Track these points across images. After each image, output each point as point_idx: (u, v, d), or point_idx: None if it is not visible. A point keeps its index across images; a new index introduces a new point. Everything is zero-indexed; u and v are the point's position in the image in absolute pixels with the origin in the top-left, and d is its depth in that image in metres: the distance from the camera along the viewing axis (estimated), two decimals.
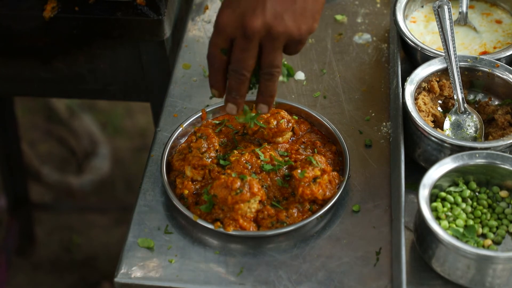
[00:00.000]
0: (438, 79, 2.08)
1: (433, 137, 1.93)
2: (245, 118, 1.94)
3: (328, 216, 1.95)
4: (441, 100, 2.10)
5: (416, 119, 1.95)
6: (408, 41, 2.14)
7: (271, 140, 2.03)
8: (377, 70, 2.28)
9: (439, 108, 2.09)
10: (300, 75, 2.27)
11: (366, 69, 2.28)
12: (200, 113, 2.10)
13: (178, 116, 2.17)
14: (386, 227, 1.93)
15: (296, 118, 2.08)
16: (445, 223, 1.84)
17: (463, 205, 1.89)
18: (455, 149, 1.92)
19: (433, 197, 1.89)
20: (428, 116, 2.03)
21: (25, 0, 2.26)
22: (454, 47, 2.06)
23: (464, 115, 2.03)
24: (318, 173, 1.91)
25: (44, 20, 2.24)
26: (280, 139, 2.03)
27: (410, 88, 2.02)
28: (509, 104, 2.05)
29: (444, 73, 2.07)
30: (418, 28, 2.25)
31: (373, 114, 2.16)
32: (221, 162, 1.96)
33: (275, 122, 2.01)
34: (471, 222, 1.86)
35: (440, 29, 2.08)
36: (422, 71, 2.06)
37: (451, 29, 2.08)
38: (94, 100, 3.99)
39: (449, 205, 1.88)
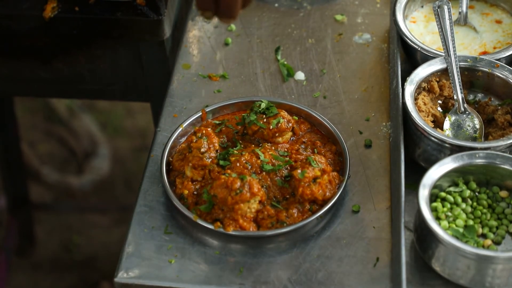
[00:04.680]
0: (438, 79, 2.08)
1: (433, 137, 1.93)
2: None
3: (328, 216, 1.95)
4: (441, 100, 2.10)
5: (416, 119, 1.95)
6: (408, 41, 2.14)
7: (271, 140, 2.03)
8: (377, 70, 2.28)
9: (439, 108, 2.09)
10: (300, 75, 2.27)
11: (366, 69, 2.28)
12: (200, 113, 2.10)
13: (178, 116, 2.17)
14: (386, 227, 1.93)
15: (296, 118, 2.08)
16: (445, 223, 1.84)
17: (463, 205, 1.89)
18: (455, 149, 1.92)
19: (433, 197, 1.89)
20: (428, 116, 2.03)
21: (25, 0, 2.26)
22: (454, 47, 2.06)
23: (464, 115, 2.03)
24: (318, 173, 1.92)
25: (44, 20, 2.24)
26: (280, 139, 2.03)
27: (410, 88, 2.02)
28: (509, 104, 2.05)
29: (444, 73, 2.07)
30: (418, 28, 2.25)
31: (373, 114, 2.16)
32: (221, 162, 1.96)
33: (275, 122, 2.01)
34: (471, 222, 1.86)
35: (440, 29, 2.08)
36: (422, 71, 2.06)
37: (451, 29, 2.08)
38: (94, 100, 3.99)
39: (449, 205, 1.88)
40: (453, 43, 2.06)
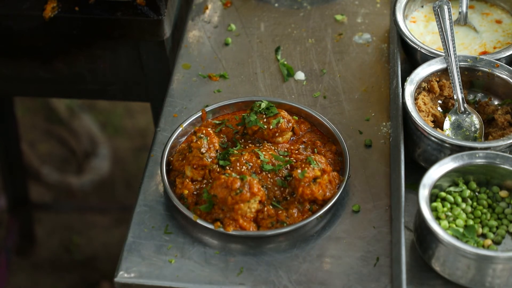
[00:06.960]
0: (438, 79, 2.08)
1: (433, 137, 1.93)
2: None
3: (328, 216, 1.95)
4: (441, 100, 2.10)
5: (416, 119, 1.95)
6: (408, 41, 2.14)
7: (271, 140, 2.03)
8: (377, 70, 2.28)
9: (439, 108, 2.09)
10: (300, 75, 2.27)
11: (366, 69, 2.28)
12: (200, 113, 2.10)
13: (178, 116, 2.17)
14: (386, 227, 1.93)
15: (296, 118, 2.08)
16: (445, 223, 1.84)
17: (463, 205, 1.89)
18: (455, 149, 1.92)
19: (433, 197, 1.89)
20: (428, 116, 2.03)
21: (25, 0, 2.26)
22: (454, 47, 2.06)
23: (464, 115, 2.03)
24: (318, 173, 1.92)
25: (44, 20, 2.24)
26: (280, 139, 2.03)
27: (410, 88, 2.02)
28: (509, 104, 2.05)
29: (444, 73, 2.07)
30: (418, 28, 2.25)
31: (373, 114, 2.16)
32: (221, 162, 1.96)
33: (275, 122, 2.01)
34: (471, 222, 1.86)
35: (440, 29, 2.08)
36: (422, 71, 2.06)
37: (451, 29, 2.08)
38: (94, 100, 3.99)
39: (449, 205, 1.88)
40: (453, 43, 2.06)
